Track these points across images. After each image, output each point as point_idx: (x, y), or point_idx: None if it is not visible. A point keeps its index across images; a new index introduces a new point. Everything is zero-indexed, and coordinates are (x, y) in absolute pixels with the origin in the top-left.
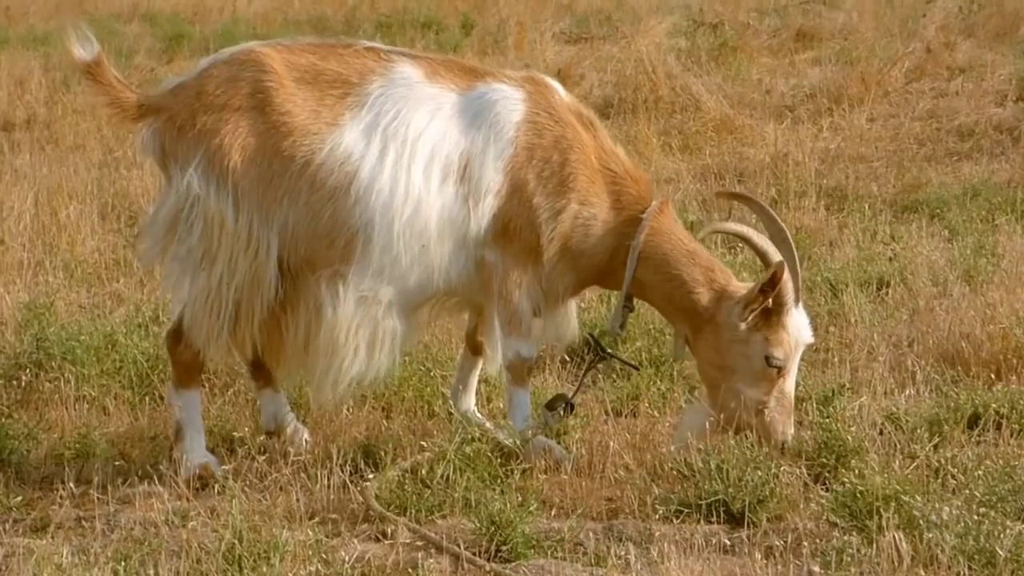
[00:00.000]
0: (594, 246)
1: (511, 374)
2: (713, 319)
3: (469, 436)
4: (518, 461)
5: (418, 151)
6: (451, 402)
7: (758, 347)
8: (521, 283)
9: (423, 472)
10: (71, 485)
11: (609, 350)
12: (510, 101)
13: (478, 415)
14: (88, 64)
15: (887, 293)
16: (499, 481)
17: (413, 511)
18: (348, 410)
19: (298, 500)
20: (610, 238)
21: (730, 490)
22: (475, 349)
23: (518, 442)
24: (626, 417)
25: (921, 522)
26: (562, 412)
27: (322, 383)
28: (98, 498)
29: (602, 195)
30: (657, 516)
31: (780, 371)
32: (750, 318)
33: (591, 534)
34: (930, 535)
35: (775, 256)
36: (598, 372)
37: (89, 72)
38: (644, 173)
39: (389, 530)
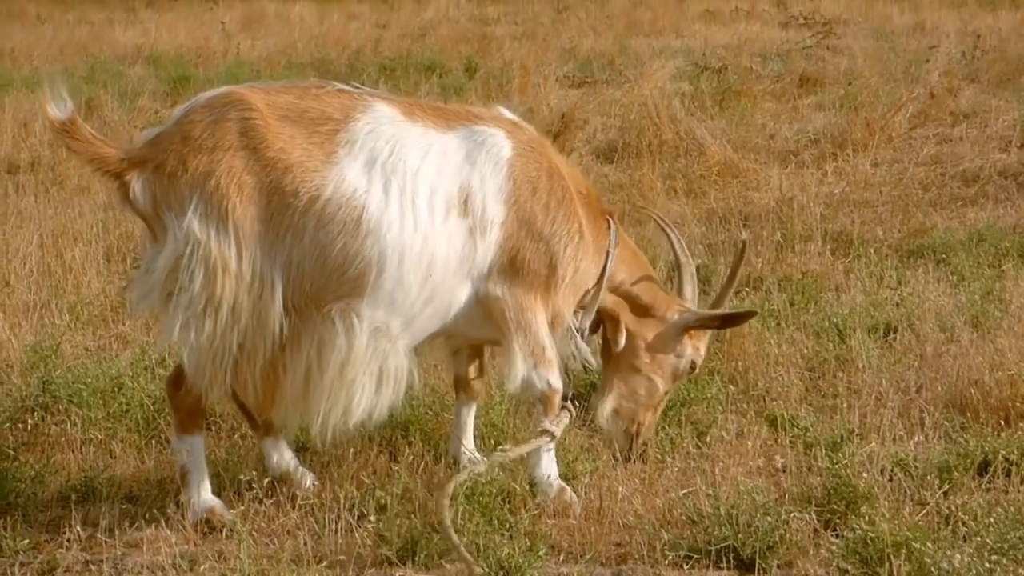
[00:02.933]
0: (591, 267)
1: (544, 405)
2: (662, 318)
3: (478, 480)
4: (527, 506)
5: (419, 186)
6: (452, 447)
7: (689, 353)
8: (537, 313)
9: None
10: (78, 528)
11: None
12: (497, 139)
13: (478, 456)
14: (63, 123)
15: (895, 339)
16: (508, 526)
17: (422, 555)
18: (355, 453)
19: (306, 544)
20: (598, 256)
21: (739, 536)
22: (468, 392)
23: (543, 478)
24: (634, 462)
25: (932, 569)
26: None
27: (329, 420)
28: (105, 542)
29: (585, 215)
30: (666, 562)
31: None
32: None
33: None
34: None
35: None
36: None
37: (65, 131)
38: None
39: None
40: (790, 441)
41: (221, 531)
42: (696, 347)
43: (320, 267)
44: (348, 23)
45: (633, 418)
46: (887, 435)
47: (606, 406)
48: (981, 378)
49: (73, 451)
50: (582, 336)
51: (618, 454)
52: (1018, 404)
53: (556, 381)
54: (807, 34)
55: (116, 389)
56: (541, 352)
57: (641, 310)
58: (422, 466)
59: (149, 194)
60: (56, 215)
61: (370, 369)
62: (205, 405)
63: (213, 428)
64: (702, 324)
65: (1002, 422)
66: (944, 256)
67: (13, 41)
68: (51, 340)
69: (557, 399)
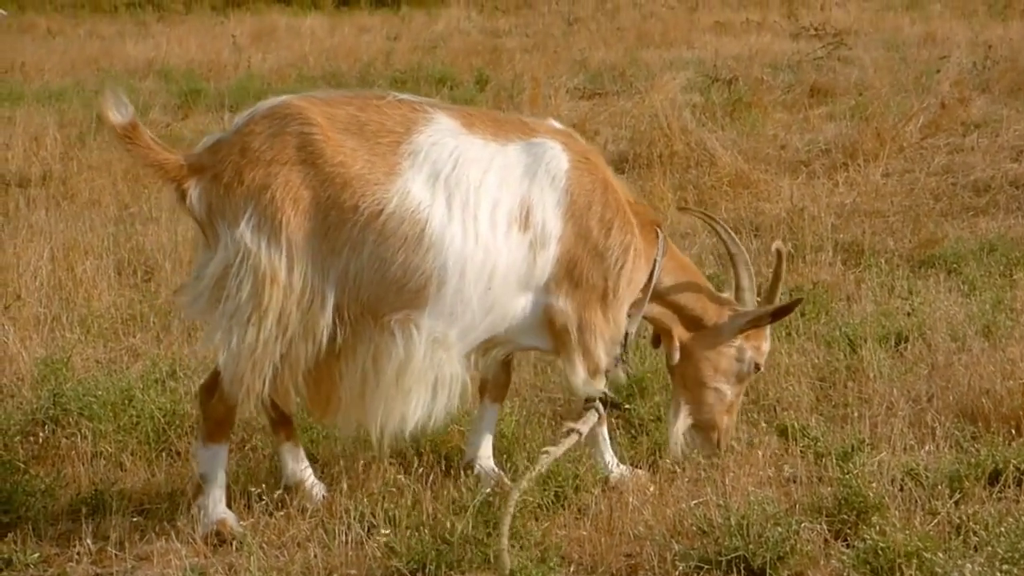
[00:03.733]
0: (642, 276)
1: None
2: (715, 327)
3: (490, 492)
4: (538, 518)
5: (481, 199)
6: (468, 453)
7: (749, 355)
8: (597, 330)
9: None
10: (88, 542)
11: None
12: (554, 152)
13: (495, 468)
14: (124, 127)
15: (906, 348)
16: (519, 537)
17: (432, 567)
18: (364, 465)
19: (316, 556)
20: (646, 262)
21: (750, 546)
22: (493, 395)
23: (612, 472)
24: (649, 471)
25: None
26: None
27: (387, 427)
28: (116, 555)
29: (636, 225)
30: (677, 572)
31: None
32: (748, 332)
33: None
34: None
35: (742, 259)
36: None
37: (126, 135)
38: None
39: None
40: (801, 451)
41: (231, 544)
42: (756, 347)
43: (379, 280)
44: (359, 36)
45: (711, 426)
46: (898, 445)
47: (680, 425)
48: (992, 387)
49: (83, 464)
50: (624, 343)
51: (702, 459)
52: None
53: (601, 390)
54: (818, 45)
55: (127, 402)
56: (596, 368)
57: (693, 321)
58: (432, 478)
59: (205, 202)
60: (67, 228)
61: (427, 378)
62: (236, 415)
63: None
64: (754, 324)
65: (1013, 431)
66: (955, 266)
67: (24, 55)
68: (62, 353)
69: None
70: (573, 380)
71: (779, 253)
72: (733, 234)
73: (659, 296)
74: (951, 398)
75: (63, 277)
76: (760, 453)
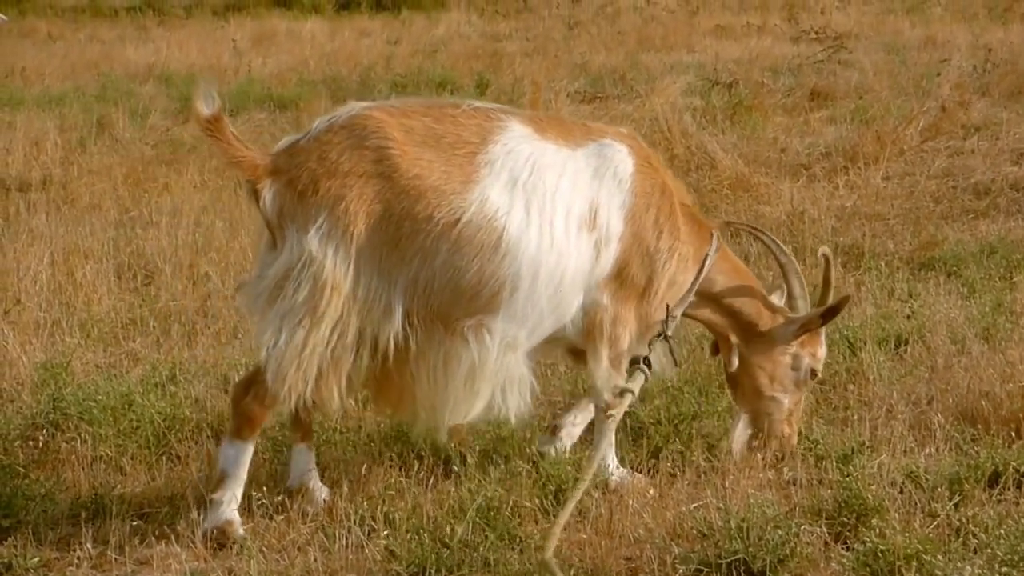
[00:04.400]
0: (689, 278)
1: (607, 409)
2: (770, 334)
3: (488, 495)
4: (538, 521)
5: (557, 203)
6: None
7: (806, 362)
8: (628, 324)
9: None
10: (88, 546)
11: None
12: (622, 155)
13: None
14: (208, 119)
15: (905, 351)
16: (519, 541)
17: (432, 571)
18: (366, 469)
19: (316, 560)
20: (693, 264)
21: (750, 549)
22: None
23: (612, 475)
24: (649, 474)
25: None
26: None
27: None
28: (115, 559)
29: (689, 230)
30: (677, 575)
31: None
32: (801, 337)
33: None
34: None
35: (792, 268)
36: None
37: (208, 127)
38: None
39: None
40: (801, 454)
41: (231, 548)
42: (811, 353)
43: (452, 287)
44: (360, 40)
45: (772, 436)
46: (898, 447)
47: (739, 436)
48: (992, 390)
49: (83, 468)
50: (666, 321)
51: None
52: None
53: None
54: (818, 48)
55: (126, 406)
56: (619, 363)
57: (748, 328)
58: (432, 481)
59: (277, 205)
60: (67, 233)
61: (497, 380)
62: (269, 416)
63: None
64: (806, 328)
65: (1013, 434)
66: (955, 268)
67: (25, 59)
68: (61, 357)
69: (618, 402)
70: (596, 369)
71: (827, 258)
72: (781, 244)
73: (712, 299)
74: (951, 401)
75: (63, 281)
76: (760, 456)
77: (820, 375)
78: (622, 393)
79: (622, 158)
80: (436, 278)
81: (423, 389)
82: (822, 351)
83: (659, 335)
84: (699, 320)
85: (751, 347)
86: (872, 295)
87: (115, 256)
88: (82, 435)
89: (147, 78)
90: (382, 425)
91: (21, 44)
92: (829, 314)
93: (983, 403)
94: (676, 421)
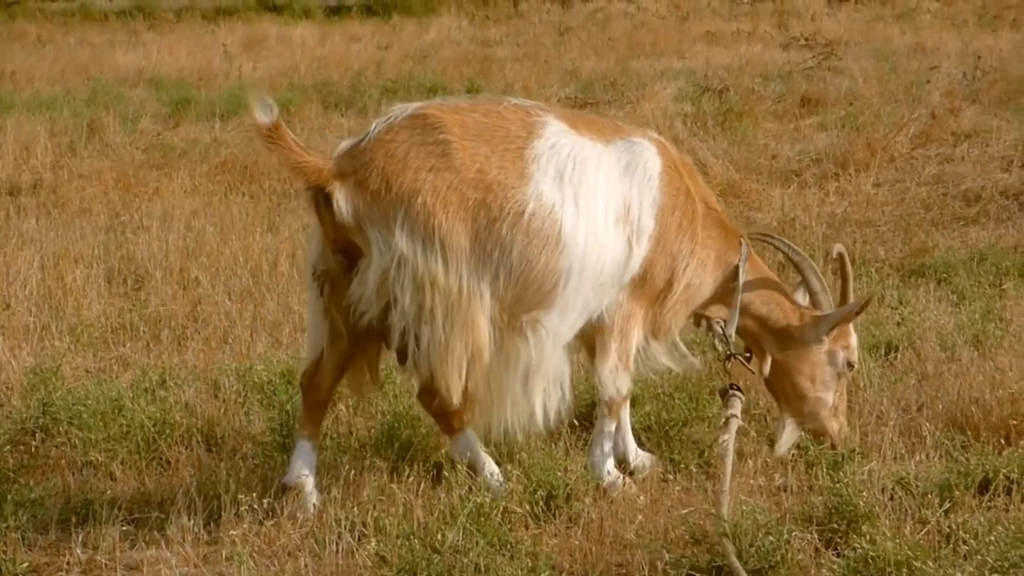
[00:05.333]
0: (707, 282)
1: (610, 408)
2: (802, 336)
3: (480, 501)
4: (528, 527)
5: (598, 197)
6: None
7: (841, 356)
8: (640, 322)
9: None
10: (78, 551)
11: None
12: (650, 153)
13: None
14: (268, 128)
15: (896, 357)
16: (509, 546)
17: None
18: (355, 474)
19: (306, 565)
20: (719, 272)
21: (742, 555)
22: None
23: (603, 477)
24: (640, 479)
25: None
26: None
27: (514, 425)
28: (105, 564)
29: (713, 235)
30: None
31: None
32: (833, 334)
33: None
34: None
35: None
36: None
37: (269, 136)
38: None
39: None
40: (791, 460)
41: (221, 553)
42: (844, 346)
43: (524, 280)
44: (350, 45)
45: (823, 432)
46: (888, 454)
47: (788, 439)
48: (982, 396)
49: (73, 473)
50: (728, 341)
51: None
52: (1019, 422)
53: (625, 388)
54: (808, 55)
55: (116, 411)
56: (627, 359)
57: (780, 334)
58: (423, 487)
59: (352, 207)
60: (57, 237)
61: (550, 375)
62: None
63: (214, 449)
64: (841, 322)
65: (1003, 440)
66: (945, 275)
67: (14, 63)
68: (51, 362)
69: (618, 406)
70: (603, 363)
71: (842, 255)
72: (791, 243)
73: (743, 308)
74: (941, 407)
75: (53, 286)
76: (751, 462)
77: (856, 364)
78: (727, 420)
79: (651, 156)
80: (513, 271)
81: (490, 388)
82: (854, 340)
83: (728, 358)
84: (738, 331)
85: (787, 352)
86: None
87: (105, 261)
88: (72, 440)
89: (137, 82)
90: (373, 431)
91: (11, 48)
92: (859, 311)
93: (973, 410)
94: (667, 427)
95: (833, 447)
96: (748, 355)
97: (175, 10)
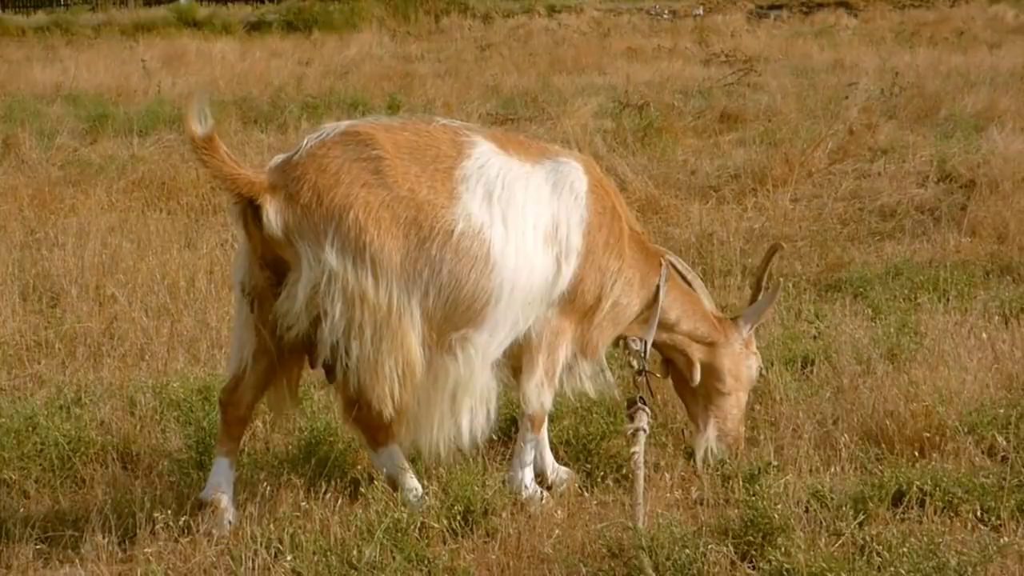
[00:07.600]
0: (633, 302)
1: (533, 423)
2: (727, 340)
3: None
4: (446, 541)
5: (527, 217)
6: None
7: (755, 361)
8: (569, 339)
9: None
10: None
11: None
12: (577, 172)
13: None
14: (202, 139)
15: (812, 371)
16: (427, 562)
17: None
18: (272, 490)
19: None
20: (645, 292)
21: (658, 568)
22: None
23: (522, 492)
24: (557, 494)
25: None
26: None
27: (441, 442)
28: None
29: (637, 255)
30: None
31: None
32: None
33: None
34: None
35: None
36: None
37: (203, 147)
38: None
39: None
40: (708, 473)
41: (136, 571)
42: (754, 352)
43: (453, 300)
44: (270, 60)
45: (736, 437)
46: (804, 467)
47: (710, 438)
48: (896, 409)
49: None
50: (644, 358)
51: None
52: (932, 435)
53: (548, 404)
54: (728, 71)
55: (31, 429)
56: (553, 375)
57: (707, 340)
58: (340, 503)
59: (282, 220)
60: None
61: (478, 392)
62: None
63: (129, 466)
64: (758, 316)
65: (916, 453)
66: (861, 290)
67: None
68: None
69: (541, 421)
70: (529, 378)
71: (774, 248)
72: (682, 260)
73: (669, 326)
74: (856, 420)
75: None
76: (668, 476)
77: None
78: (635, 433)
79: (578, 175)
80: (443, 289)
81: (417, 404)
82: (757, 353)
83: (639, 372)
84: (659, 347)
85: (715, 355)
86: (779, 316)
87: (20, 277)
88: None
89: (55, 98)
90: (290, 447)
91: None
92: (772, 297)
93: (887, 423)
94: (585, 441)
95: (736, 452)
96: (666, 371)
97: (93, 26)
